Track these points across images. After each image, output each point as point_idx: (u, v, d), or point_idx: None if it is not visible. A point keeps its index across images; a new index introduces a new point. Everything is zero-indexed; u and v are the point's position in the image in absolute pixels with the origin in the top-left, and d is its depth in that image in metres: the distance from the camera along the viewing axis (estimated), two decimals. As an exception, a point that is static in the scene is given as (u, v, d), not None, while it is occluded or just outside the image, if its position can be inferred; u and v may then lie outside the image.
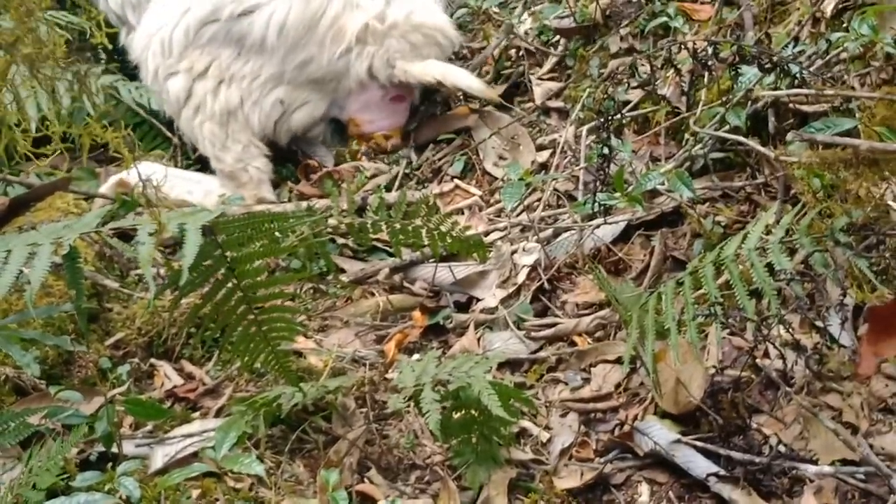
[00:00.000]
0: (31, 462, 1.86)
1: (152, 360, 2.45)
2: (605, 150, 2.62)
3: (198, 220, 1.83)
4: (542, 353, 2.39)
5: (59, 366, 2.36)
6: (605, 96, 2.92)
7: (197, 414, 2.27)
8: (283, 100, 3.19)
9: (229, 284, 1.96)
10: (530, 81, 3.29)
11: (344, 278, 2.71)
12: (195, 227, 1.80)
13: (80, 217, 2.47)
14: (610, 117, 2.67)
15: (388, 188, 3.07)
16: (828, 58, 2.57)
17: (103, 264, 2.65)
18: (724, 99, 2.62)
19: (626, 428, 2.13)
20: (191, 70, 3.15)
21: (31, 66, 0.99)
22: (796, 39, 2.69)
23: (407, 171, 3.18)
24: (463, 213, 2.93)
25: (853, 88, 2.49)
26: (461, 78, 3.14)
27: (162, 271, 2.43)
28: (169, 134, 3.39)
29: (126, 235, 2.49)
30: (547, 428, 2.18)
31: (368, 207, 2.52)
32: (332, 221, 2.47)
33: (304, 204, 2.93)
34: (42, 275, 1.77)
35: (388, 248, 2.75)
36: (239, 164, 3.19)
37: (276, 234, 2.08)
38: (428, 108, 3.36)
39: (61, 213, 2.75)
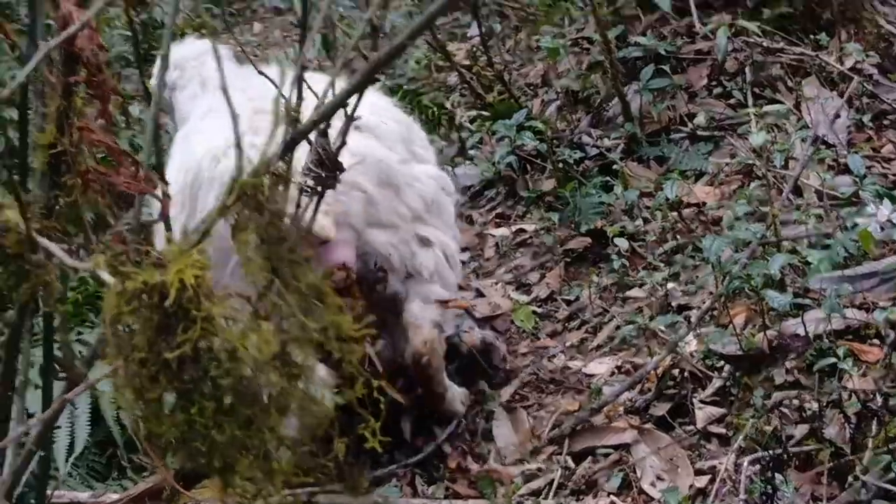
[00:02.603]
0: None
1: None
2: (768, 487, 2.62)
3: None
4: None
5: None
6: (771, 430, 2.93)
7: None
8: None
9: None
10: (692, 404, 3.32)
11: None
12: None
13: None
14: (773, 452, 2.68)
15: (540, 493, 3.09)
16: None
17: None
18: (891, 447, 2.61)
19: None
20: None
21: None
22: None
23: (562, 479, 3.19)
24: (617, 532, 2.93)
25: None
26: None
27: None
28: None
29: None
30: None
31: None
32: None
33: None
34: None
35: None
36: None
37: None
38: (584, 415, 3.40)
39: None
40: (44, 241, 1.00)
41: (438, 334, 3.36)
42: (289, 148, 1.03)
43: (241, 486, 0.97)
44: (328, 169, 1.45)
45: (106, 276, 0.87)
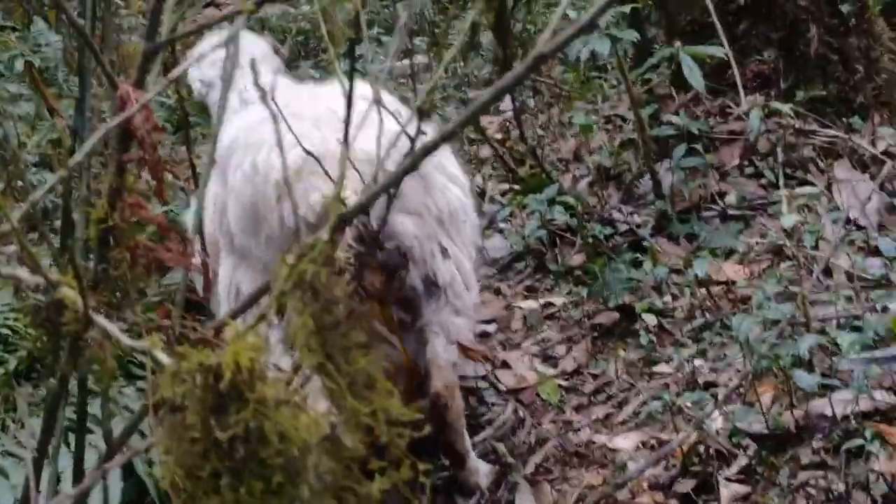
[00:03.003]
0: None
1: None
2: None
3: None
4: None
5: None
6: (796, 511, 2.92)
7: None
8: None
9: None
10: (717, 482, 3.31)
11: None
12: None
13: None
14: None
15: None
16: None
17: None
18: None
19: None
20: None
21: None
22: None
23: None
24: None
25: None
26: None
27: None
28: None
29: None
30: None
31: None
32: None
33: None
34: None
35: None
36: None
37: None
38: (608, 490, 3.39)
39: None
40: (100, 320, 1.03)
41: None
42: (336, 230, 1.07)
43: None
44: (368, 246, 1.49)
45: (161, 355, 0.91)
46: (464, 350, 3.36)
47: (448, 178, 3.33)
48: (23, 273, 1.17)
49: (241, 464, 0.90)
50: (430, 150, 1.08)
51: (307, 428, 0.91)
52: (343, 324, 0.91)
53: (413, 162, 1.11)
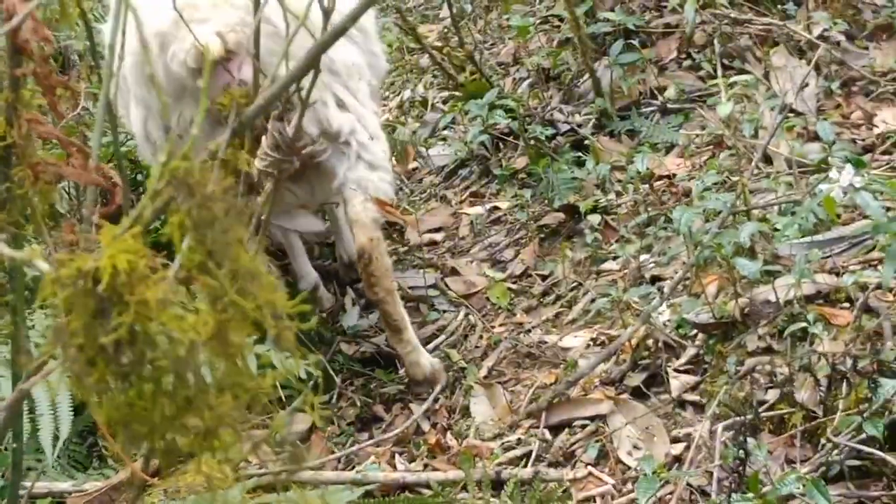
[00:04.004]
0: None
1: None
2: (741, 452, 2.65)
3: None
4: None
5: None
6: (744, 396, 2.96)
7: None
8: None
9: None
10: (667, 373, 3.35)
11: (474, 559, 2.74)
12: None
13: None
14: (747, 417, 2.72)
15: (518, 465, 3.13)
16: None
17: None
18: (861, 408, 2.64)
19: None
20: None
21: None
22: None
23: (540, 452, 3.23)
24: (595, 502, 2.96)
25: None
26: None
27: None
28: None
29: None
30: None
31: (505, 488, 2.59)
32: (466, 497, 2.55)
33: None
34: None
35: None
36: None
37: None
38: (560, 388, 3.43)
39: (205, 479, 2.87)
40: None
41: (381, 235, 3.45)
42: (235, 134, 1.05)
43: (184, 468, 1.01)
44: (284, 153, 1.47)
45: (41, 264, 0.89)
46: (381, 205, 3.41)
47: (347, 35, 3.36)
48: None
49: (129, 368, 0.90)
50: (334, 37, 1.05)
51: (194, 327, 0.90)
52: (222, 220, 0.90)
53: (310, 59, 1.08)
